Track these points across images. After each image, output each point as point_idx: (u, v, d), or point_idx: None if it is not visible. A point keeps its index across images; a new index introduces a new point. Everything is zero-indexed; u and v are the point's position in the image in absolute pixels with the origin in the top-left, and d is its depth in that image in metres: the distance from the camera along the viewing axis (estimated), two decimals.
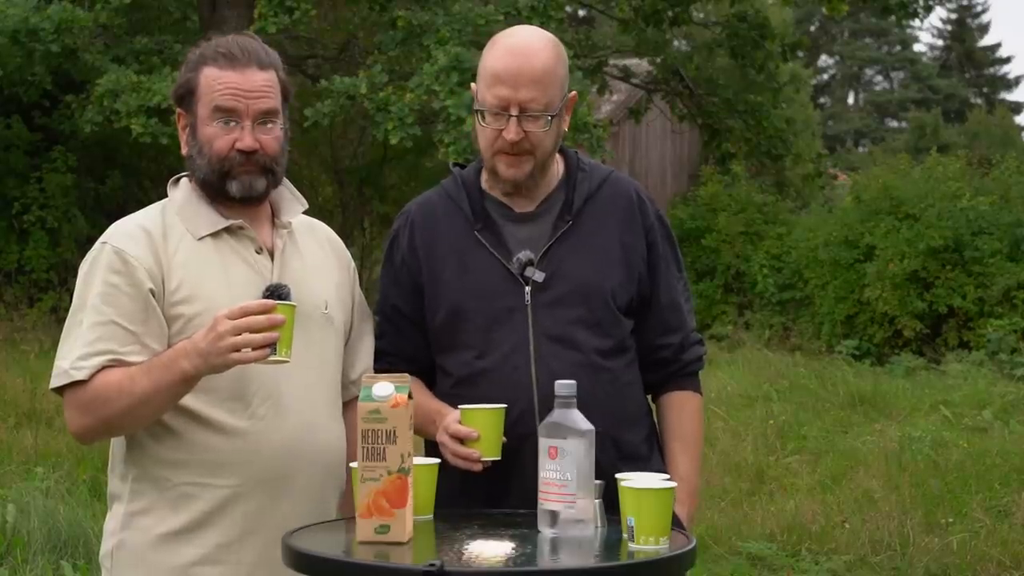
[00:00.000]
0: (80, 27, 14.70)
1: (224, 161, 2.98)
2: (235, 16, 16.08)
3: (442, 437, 3.02)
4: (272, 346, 2.76)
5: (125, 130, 14.88)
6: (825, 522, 7.44)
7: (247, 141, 2.97)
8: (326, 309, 3.09)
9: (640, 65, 20.09)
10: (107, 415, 2.87)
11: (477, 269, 3.13)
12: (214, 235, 3.00)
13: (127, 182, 18.25)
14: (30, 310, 15.22)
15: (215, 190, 3.02)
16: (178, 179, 3.11)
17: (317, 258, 3.16)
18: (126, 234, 2.97)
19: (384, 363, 3.21)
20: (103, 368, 2.87)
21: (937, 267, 14.84)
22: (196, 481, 2.94)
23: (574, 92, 3.18)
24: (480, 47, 15.33)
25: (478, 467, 3.00)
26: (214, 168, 2.99)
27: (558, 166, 3.23)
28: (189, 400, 2.91)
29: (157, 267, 2.93)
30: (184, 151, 3.06)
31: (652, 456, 3.22)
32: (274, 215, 3.11)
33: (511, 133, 3.05)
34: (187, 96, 3.01)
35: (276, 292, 2.90)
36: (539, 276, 3.10)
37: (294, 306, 2.82)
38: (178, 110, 3.06)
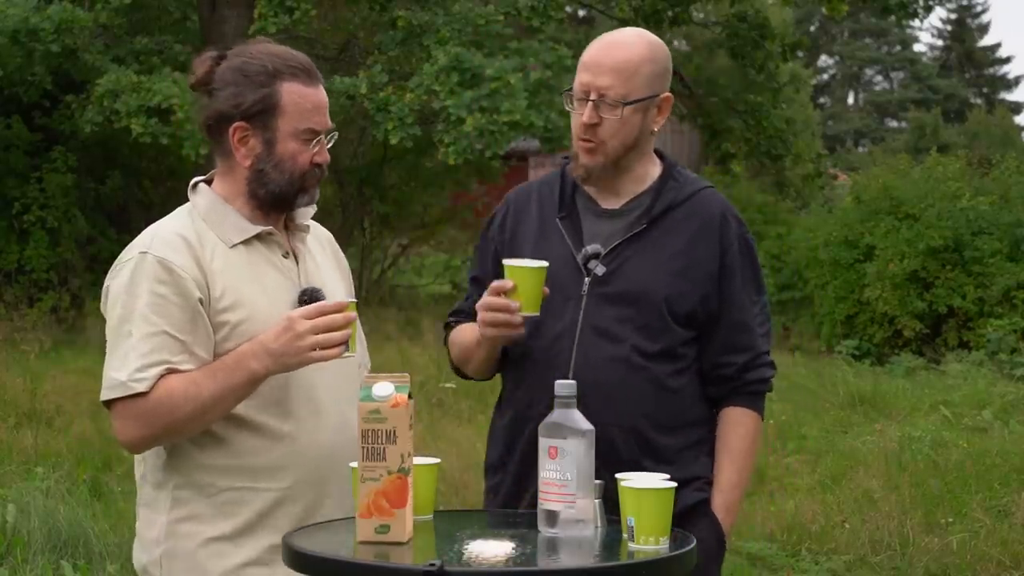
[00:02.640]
0: (80, 27, 14.71)
1: (305, 176, 3.04)
2: (235, 16, 16.08)
3: (481, 304, 3.10)
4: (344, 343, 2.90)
5: (125, 130, 14.89)
6: (825, 522, 7.44)
7: (326, 157, 3.06)
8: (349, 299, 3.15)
9: None
10: (170, 422, 2.89)
11: (549, 255, 3.18)
12: (245, 242, 3.03)
13: (127, 182, 18.25)
14: (30, 310, 15.21)
15: (281, 202, 3.05)
16: (196, 184, 3.11)
17: (323, 259, 3.22)
18: (166, 243, 2.96)
19: (461, 318, 3.37)
20: (161, 377, 2.89)
21: (937, 267, 14.84)
22: (244, 486, 2.97)
23: (669, 95, 3.20)
24: (480, 47, 15.41)
25: (516, 319, 3.06)
26: (294, 183, 3.03)
27: (653, 170, 3.26)
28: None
29: (201, 275, 2.95)
30: (247, 164, 3.02)
31: (691, 464, 3.20)
32: (287, 218, 3.14)
33: (584, 116, 3.14)
34: (265, 112, 3.00)
35: (312, 296, 3.02)
36: (600, 270, 3.16)
37: (356, 302, 2.94)
38: (240, 124, 3.01)
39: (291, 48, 3.14)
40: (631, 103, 3.14)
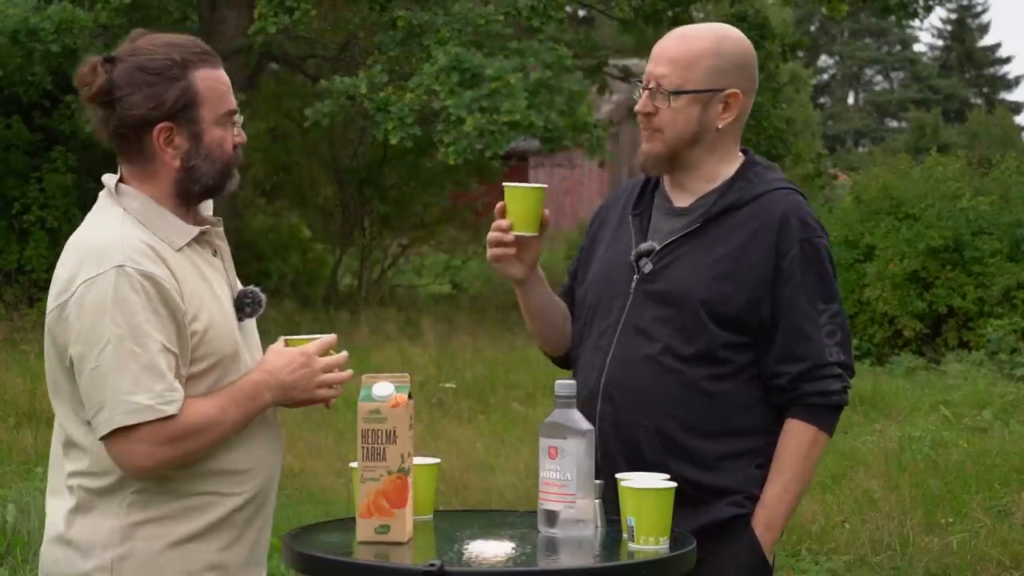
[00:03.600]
0: (80, 27, 14.70)
1: (231, 161, 2.93)
2: (235, 16, 16.09)
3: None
4: None
5: None
6: (825, 522, 7.44)
7: (243, 137, 2.95)
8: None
9: (640, 65, 20.06)
10: (196, 447, 2.78)
11: (615, 250, 3.21)
12: (188, 244, 2.89)
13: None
14: (30, 310, 15.22)
15: (212, 193, 2.94)
16: (116, 184, 2.90)
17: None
18: (141, 253, 2.79)
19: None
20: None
21: (937, 267, 14.83)
22: (212, 490, 2.86)
23: (736, 91, 3.14)
24: (480, 47, 15.42)
25: (508, 238, 3.13)
26: (223, 170, 2.91)
27: (727, 169, 3.18)
28: None
29: (176, 284, 2.81)
30: (175, 164, 2.86)
31: (733, 474, 3.09)
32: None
33: (639, 104, 3.16)
34: (188, 105, 2.85)
35: (255, 297, 2.93)
36: (647, 268, 3.14)
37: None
38: (164, 124, 2.83)
39: (185, 34, 2.99)
40: (683, 93, 3.10)
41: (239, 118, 2.95)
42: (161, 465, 2.76)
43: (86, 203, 17.68)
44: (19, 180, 16.75)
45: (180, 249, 2.85)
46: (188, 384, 2.79)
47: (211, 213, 3.01)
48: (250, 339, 2.96)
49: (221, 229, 2.98)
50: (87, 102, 2.90)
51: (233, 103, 2.92)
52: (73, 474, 2.84)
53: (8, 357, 12.40)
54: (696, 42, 3.14)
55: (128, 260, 2.75)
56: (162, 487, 2.83)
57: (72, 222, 16.74)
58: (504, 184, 3.17)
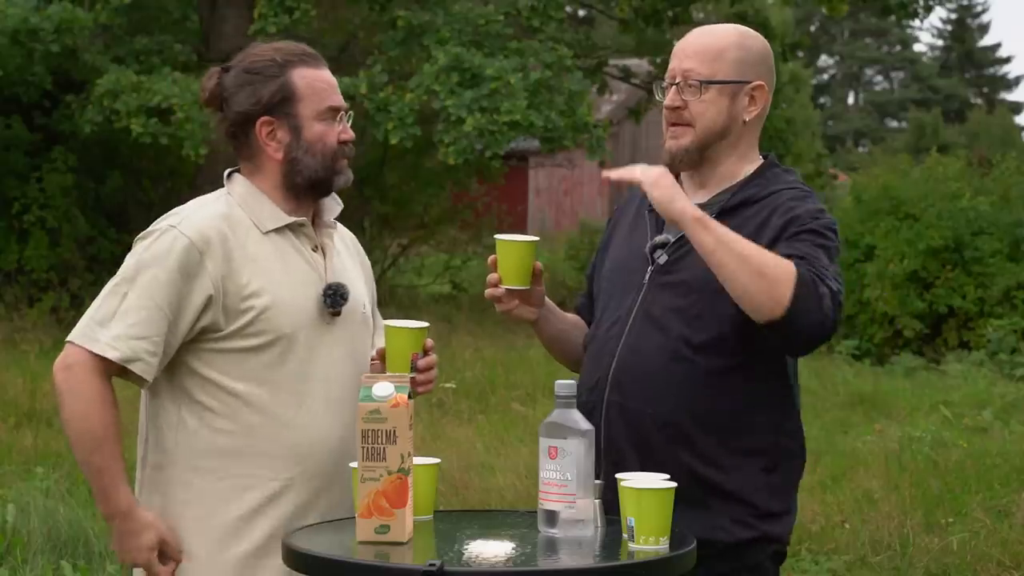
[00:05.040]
0: (80, 27, 14.70)
1: (335, 155, 3.10)
2: (235, 16, 16.09)
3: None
4: None
5: (125, 130, 14.88)
6: (825, 522, 7.43)
7: (351, 133, 3.14)
8: (364, 308, 3.22)
9: (640, 65, 20.08)
10: (70, 407, 2.96)
11: (630, 243, 3.23)
12: (278, 230, 3.09)
13: (127, 182, 18.23)
14: (30, 310, 15.21)
15: (319, 186, 3.11)
16: (231, 173, 3.16)
17: (348, 259, 3.27)
18: (198, 231, 3.00)
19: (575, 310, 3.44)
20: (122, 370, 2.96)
21: (937, 267, 14.83)
22: (252, 473, 3.00)
23: (762, 83, 3.15)
24: (480, 47, 15.43)
25: (499, 291, 3.14)
26: (327, 164, 3.10)
27: (746, 168, 3.18)
28: (251, 390, 3.00)
29: (225, 267, 3.00)
30: (279, 156, 3.08)
31: (741, 478, 3.05)
32: (315, 215, 3.19)
33: (667, 99, 3.14)
34: (284, 101, 3.06)
35: (337, 291, 3.08)
36: (662, 259, 3.14)
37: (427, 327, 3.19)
38: (264, 119, 3.07)
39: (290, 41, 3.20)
40: (714, 83, 3.11)
41: (347, 115, 3.13)
42: (59, 391, 2.96)
43: (86, 203, 17.63)
44: (19, 180, 16.73)
45: (268, 232, 3.06)
46: (246, 357, 2.99)
47: (334, 216, 3.20)
48: (340, 333, 3.11)
49: (334, 230, 3.20)
50: (205, 105, 3.18)
51: (336, 100, 3.11)
52: (142, 450, 3.12)
53: (8, 357, 12.40)
54: (721, 36, 3.18)
55: (181, 224, 3.01)
56: (201, 467, 3.02)
57: (72, 222, 16.75)
58: (496, 236, 3.17)
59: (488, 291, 3.17)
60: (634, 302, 3.14)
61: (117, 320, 2.95)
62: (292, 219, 3.10)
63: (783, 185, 3.15)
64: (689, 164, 3.16)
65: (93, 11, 14.99)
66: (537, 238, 3.15)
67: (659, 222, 3.18)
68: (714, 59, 3.12)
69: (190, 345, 3.01)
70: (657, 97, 3.21)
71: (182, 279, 2.96)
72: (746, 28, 3.26)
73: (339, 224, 3.27)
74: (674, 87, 3.14)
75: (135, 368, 2.94)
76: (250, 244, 3.04)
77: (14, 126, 17.01)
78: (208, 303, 2.98)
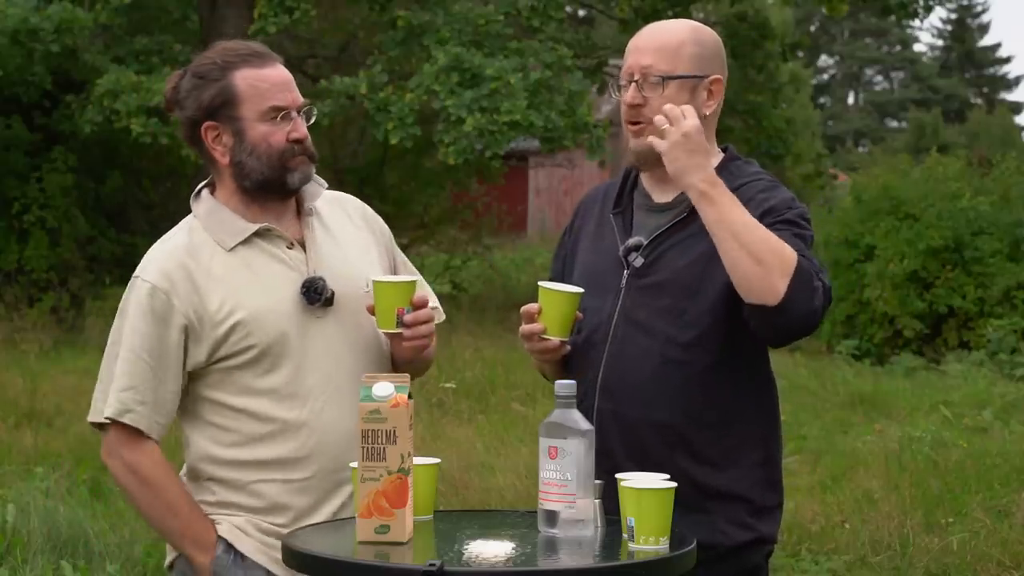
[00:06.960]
0: (80, 27, 14.70)
1: (283, 155, 3.04)
2: (235, 16, 16.08)
3: (520, 332, 3.11)
4: None
5: (125, 130, 14.89)
6: (825, 522, 7.43)
7: (303, 131, 3.06)
8: (367, 287, 3.10)
9: None
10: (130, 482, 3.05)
11: (599, 250, 3.18)
12: (244, 242, 3.05)
13: (127, 182, 18.24)
14: (30, 310, 15.22)
15: (271, 187, 3.06)
16: (199, 191, 3.13)
17: (350, 235, 3.22)
18: (160, 270, 3.02)
19: None
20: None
21: (937, 267, 14.83)
22: (266, 479, 3.03)
23: (719, 76, 3.14)
24: (480, 47, 15.43)
25: (549, 344, 3.06)
26: (274, 164, 3.04)
27: (711, 161, 3.09)
28: (250, 403, 3.02)
29: (194, 297, 3.00)
30: (225, 161, 3.05)
31: (737, 473, 3.05)
32: (299, 203, 3.15)
33: (627, 96, 3.10)
34: (226, 104, 3.02)
35: (312, 285, 3.03)
36: (638, 262, 3.11)
37: (415, 280, 3.12)
38: (208, 124, 3.04)
39: (246, 41, 3.16)
40: (675, 78, 3.08)
41: (305, 112, 3.07)
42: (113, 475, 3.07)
43: (86, 203, 17.69)
44: (19, 180, 16.74)
45: (232, 248, 3.03)
46: (241, 374, 3.00)
47: (315, 202, 3.15)
48: (337, 323, 3.07)
49: (311, 219, 3.13)
50: (167, 112, 3.20)
51: (281, 99, 3.03)
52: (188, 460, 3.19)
53: (8, 357, 12.40)
54: (676, 31, 3.15)
55: (144, 271, 3.03)
56: (221, 478, 3.06)
57: (72, 222, 16.76)
58: (540, 284, 3.09)
59: (536, 345, 3.08)
60: (613, 307, 3.11)
61: (115, 381, 3.02)
62: (254, 227, 3.05)
63: (750, 177, 3.14)
64: (655, 162, 3.09)
65: (93, 11, 15.00)
66: (582, 290, 3.07)
67: (626, 225, 3.17)
68: (673, 54, 3.10)
69: (196, 374, 3.04)
70: (614, 96, 3.18)
71: (156, 324, 2.99)
72: (697, 23, 3.24)
73: (344, 197, 3.27)
74: (633, 84, 3.10)
75: (127, 420, 2.98)
76: (215, 266, 3.02)
77: (14, 126, 17.01)
78: (188, 337, 3.00)
